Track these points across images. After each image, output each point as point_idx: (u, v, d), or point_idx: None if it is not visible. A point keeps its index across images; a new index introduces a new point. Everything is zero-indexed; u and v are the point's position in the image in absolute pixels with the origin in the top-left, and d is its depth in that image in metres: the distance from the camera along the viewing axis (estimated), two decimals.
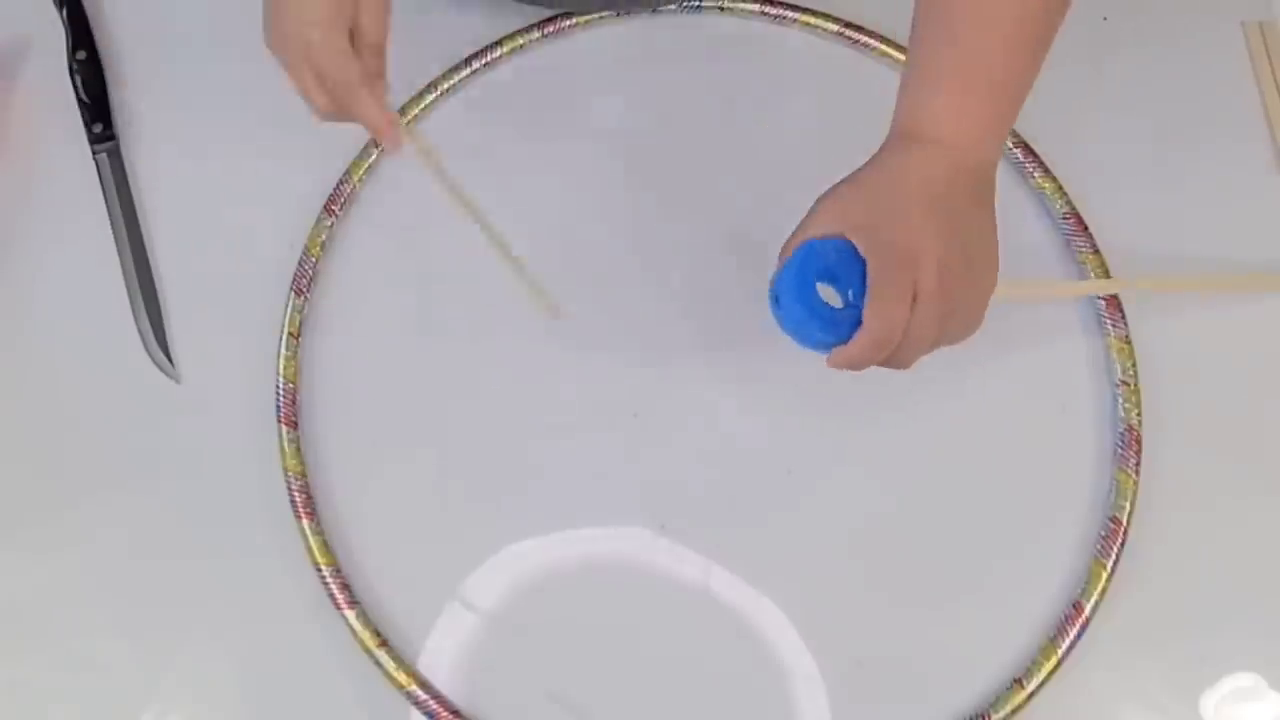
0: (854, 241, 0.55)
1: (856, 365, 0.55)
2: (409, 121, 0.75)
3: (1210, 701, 0.62)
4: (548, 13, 0.78)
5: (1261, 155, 0.75)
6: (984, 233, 0.57)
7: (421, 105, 0.76)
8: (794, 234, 0.58)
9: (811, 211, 0.58)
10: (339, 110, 0.60)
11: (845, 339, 0.56)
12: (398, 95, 0.76)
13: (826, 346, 0.57)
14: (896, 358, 0.56)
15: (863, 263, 0.55)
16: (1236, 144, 0.76)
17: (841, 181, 0.58)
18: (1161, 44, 0.79)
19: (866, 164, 0.58)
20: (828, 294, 0.57)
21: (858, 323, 0.55)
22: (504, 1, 0.77)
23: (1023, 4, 0.56)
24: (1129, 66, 0.78)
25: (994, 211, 0.58)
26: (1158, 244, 0.72)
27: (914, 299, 0.54)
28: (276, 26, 0.60)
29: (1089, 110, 0.76)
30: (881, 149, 0.59)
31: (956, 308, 0.55)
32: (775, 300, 0.57)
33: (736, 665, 0.63)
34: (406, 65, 0.75)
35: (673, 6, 0.78)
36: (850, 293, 0.56)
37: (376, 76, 0.61)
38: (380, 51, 0.61)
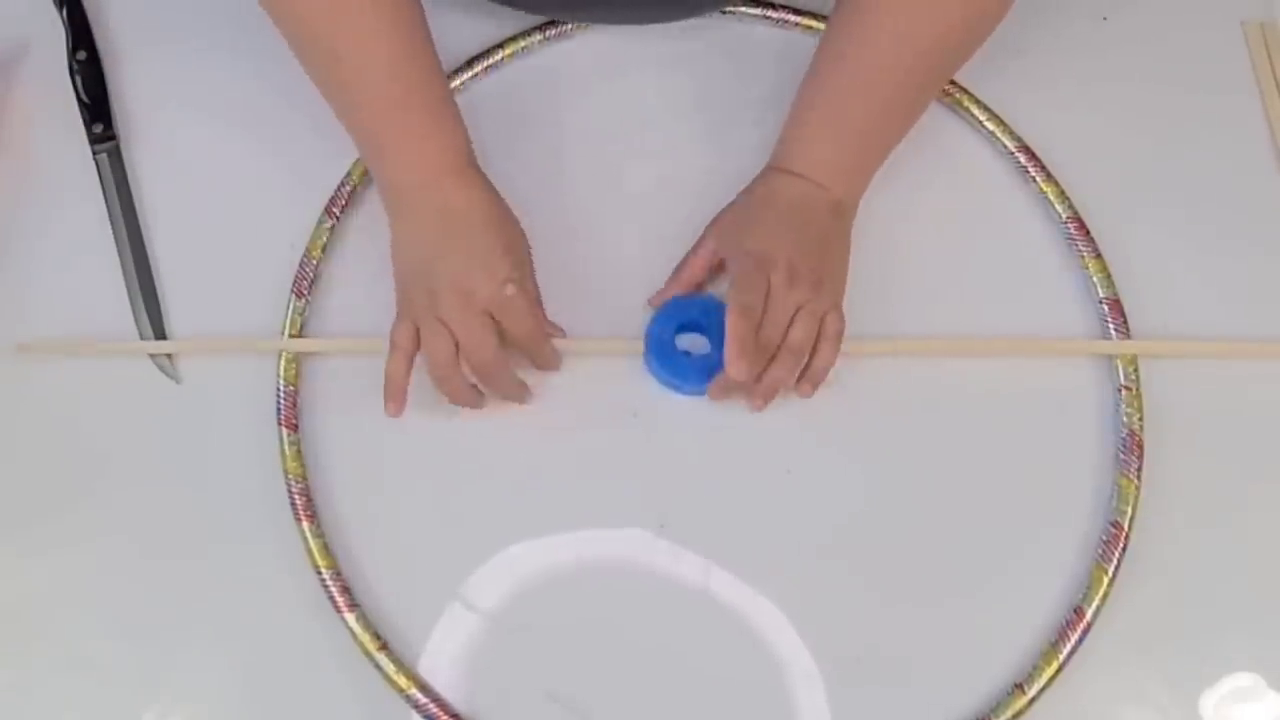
0: (724, 253, 0.68)
1: (739, 342, 0.62)
2: None
3: (1210, 704, 0.62)
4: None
5: (1262, 155, 0.76)
6: (836, 247, 0.68)
7: None
8: (687, 255, 0.71)
9: (702, 234, 0.71)
10: (492, 373, 0.65)
11: (698, 385, 0.67)
12: None
13: (699, 392, 0.68)
14: (762, 346, 0.64)
15: (723, 309, 0.64)
16: (1236, 144, 0.76)
17: (724, 208, 0.70)
18: (1161, 44, 0.79)
19: (742, 191, 0.70)
20: (696, 342, 0.69)
21: (712, 370, 0.66)
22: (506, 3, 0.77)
23: (902, 73, 0.66)
24: (1129, 67, 0.78)
25: (848, 234, 0.68)
26: (1160, 246, 0.72)
27: (768, 293, 0.64)
28: (451, 287, 0.64)
29: (1090, 111, 0.76)
30: (756, 178, 0.70)
31: (804, 302, 0.65)
32: (646, 358, 0.69)
33: (736, 666, 0.63)
34: None
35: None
36: (712, 339, 0.68)
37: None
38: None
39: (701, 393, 0.68)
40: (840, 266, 0.68)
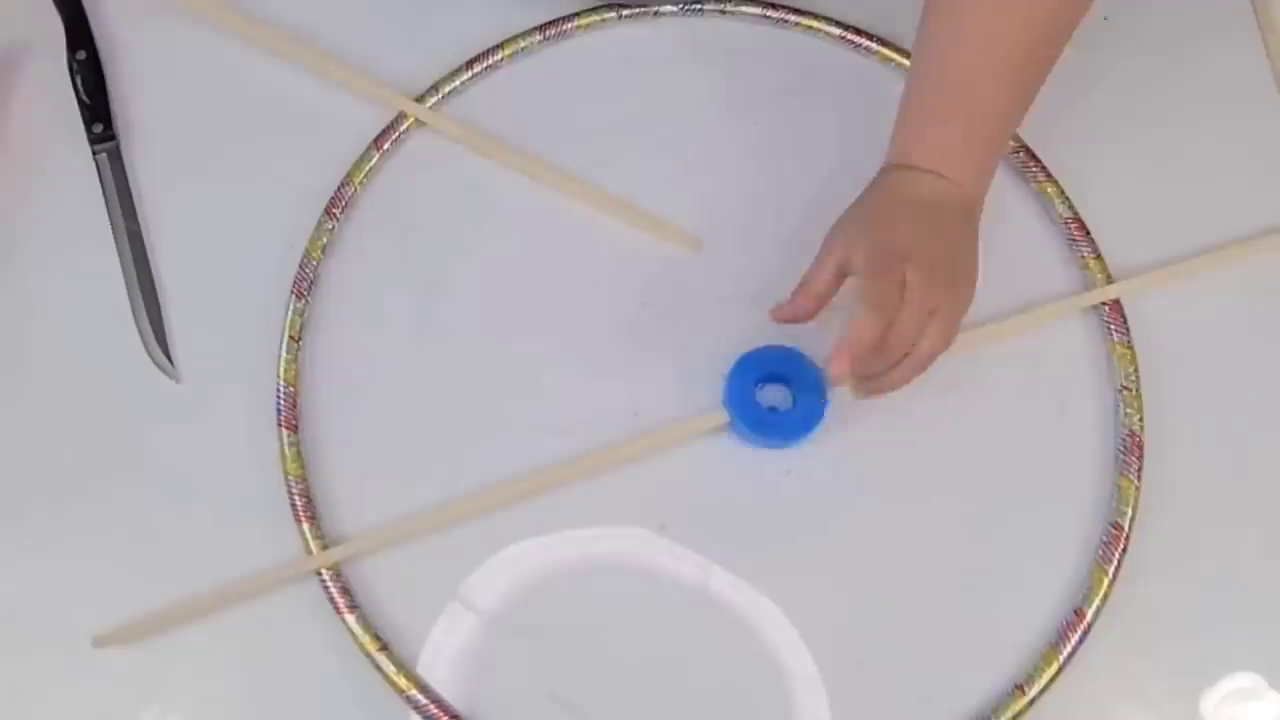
0: (850, 251, 0.61)
1: (861, 347, 0.58)
2: (409, 125, 0.75)
3: (1210, 704, 0.62)
4: (550, 15, 0.77)
5: (1271, 156, 0.75)
6: (967, 248, 0.63)
7: (423, 107, 0.75)
8: (811, 266, 0.63)
9: (824, 242, 0.64)
10: None
11: (795, 438, 0.66)
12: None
13: (780, 445, 0.66)
14: (887, 350, 0.59)
15: (804, 360, 0.65)
16: (1245, 145, 0.75)
17: (845, 212, 0.64)
18: (1163, 44, 0.78)
19: (863, 192, 0.64)
20: (776, 395, 0.67)
21: (803, 422, 0.65)
22: (505, 4, 0.77)
23: (1015, 44, 0.61)
24: (1131, 67, 0.78)
25: (976, 236, 0.63)
26: (1162, 248, 0.72)
27: (903, 286, 0.58)
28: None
29: (1091, 112, 0.76)
30: (876, 176, 0.65)
31: (940, 306, 0.59)
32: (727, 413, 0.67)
33: (736, 666, 0.63)
34: (407, 68, 0.76)
35: (673, 8, 0.78)
36: (796, 391, 0.66)
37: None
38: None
39: (781, 446, 0.67)
40: (972, 266, 0.62)
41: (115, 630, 0.64)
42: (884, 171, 0.65)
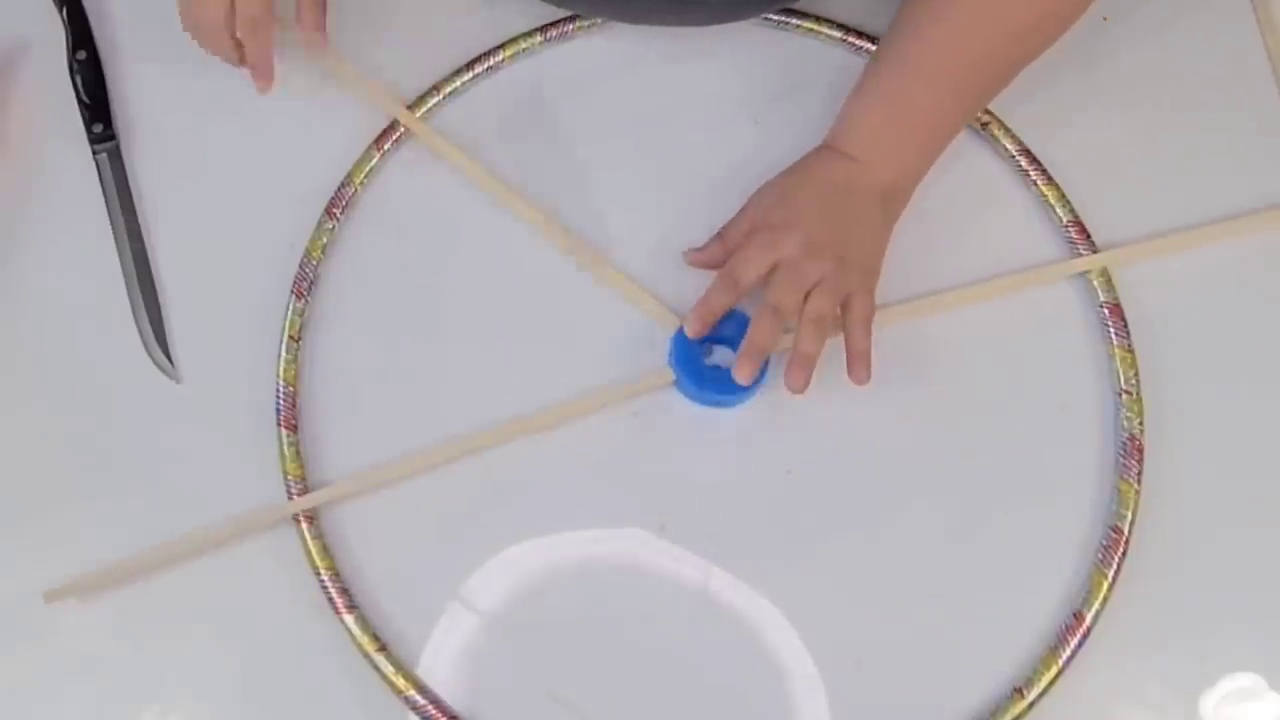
0: (754, 220, 0.66)
1: (708, 307, 0.64)
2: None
3: (1210, 706, 0.62)
4: (551, 16, 0.77)
5: (1273, 156, 0.75)
6: (865, 231, 0.65)
7: (424, 109, 0.75)
8: (728, 222, 0.68)
9: (747, 201, 0.68)
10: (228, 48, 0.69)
11: (740, 394, 0.66)
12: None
13: (723, 403, 0.67)
14: (732, 287, 0.64)
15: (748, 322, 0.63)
16: (1247, 150, 0.75)
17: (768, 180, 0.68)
18: (1164, 46, 0.78)
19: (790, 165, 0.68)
20: (725, 357, 0.68)
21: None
22: (506, 4, 0.77)
23: (975, 54, 0.64)
24: (1132, 70, 0.78)
25: (891, 223, 0.67)
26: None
27: (776, 265, 0.63)
28: None
29: (1091, 116, 0.76)
30: (808, 153, 0.68)
31: (825, 277, 0.62)
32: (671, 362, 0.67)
33: (736, 667, 0.63)
34: (408, 68, 0.76)
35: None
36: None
37: (314, 29, 0.71)
38: (319, 7, 0.71)
39: (732, 404, 0.67)
40: (870, 250, 0.65)
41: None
42: (816, 149, 0.68)
